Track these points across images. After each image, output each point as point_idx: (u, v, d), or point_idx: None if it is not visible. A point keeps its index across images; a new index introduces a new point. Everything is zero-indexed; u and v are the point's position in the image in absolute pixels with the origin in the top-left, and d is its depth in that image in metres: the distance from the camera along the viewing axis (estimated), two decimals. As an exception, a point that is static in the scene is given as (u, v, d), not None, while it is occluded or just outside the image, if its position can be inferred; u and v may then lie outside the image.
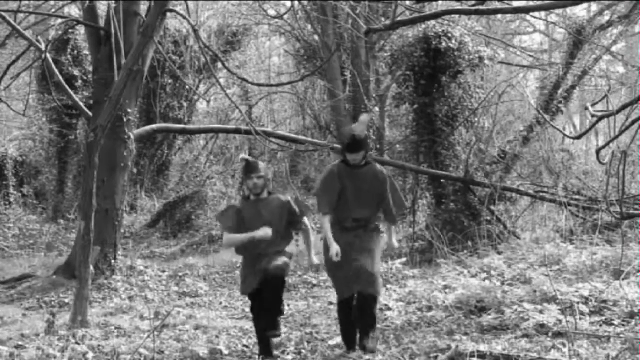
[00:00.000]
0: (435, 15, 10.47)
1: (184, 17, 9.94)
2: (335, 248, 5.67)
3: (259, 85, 18.78)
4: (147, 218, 16.11)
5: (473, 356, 5.28)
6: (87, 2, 10.15)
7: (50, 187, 18.59)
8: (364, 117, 6.00)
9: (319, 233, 6.11)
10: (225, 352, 6.11)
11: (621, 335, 5.53)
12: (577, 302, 6.24)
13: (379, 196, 5.92)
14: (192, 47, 18.04)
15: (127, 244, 13.66)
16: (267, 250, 5.80)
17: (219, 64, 17.90)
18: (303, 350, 6.04)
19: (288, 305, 8.17)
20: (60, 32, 15.97)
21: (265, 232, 5.73)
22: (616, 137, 8.75)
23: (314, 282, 9.69)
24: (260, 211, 5.82)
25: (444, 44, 11.49)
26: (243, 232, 5.78)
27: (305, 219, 6.01)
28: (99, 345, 6.31)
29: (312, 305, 8.16)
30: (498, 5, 12.45)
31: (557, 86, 13.31)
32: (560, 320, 5.94)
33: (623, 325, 5.92)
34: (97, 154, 7.34)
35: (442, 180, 11.74)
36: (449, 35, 11.58)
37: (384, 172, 6.01)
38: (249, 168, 5.79)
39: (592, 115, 8.79)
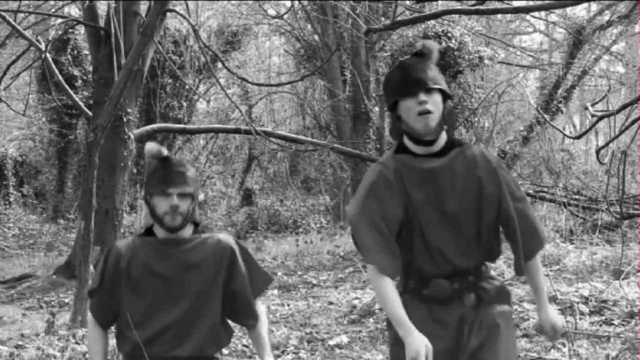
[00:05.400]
0: (436, 15, 10.47)
1: (184, 17, 9.96)
2: (419, 346, 2.45)
3: (259, 85, 18.77)
4: (147, 218, 16.10)
5: (473, 356, 5.27)
6: (87, 2, 10.15)
7: (50, 187, 18.59)
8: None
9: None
10: (225, 352, 6.11)
11: (621, 335, 5.52)
12: (577, 302, 6.24)
13: (489, 212, 2.69)
14: (192, 47, 18.03)
15: (127, 244, 13.64)
16: (175, 353, 2.83)
17: (219, 64, 17.90)
18: (303, 350, 6.03)
19: (288, 305, 8.17)
20: (60, 32, 15.96)
21: None
22: (616, 137, 8.76)
23: (314, 282, 9.68)
24: (170, 273, 2.87)
25: (444, 44, 11.51)
26: (129, 310, 2.91)
27: (259, 304, 3.01)
28: (99, 345, 6.29)
29: (312, 305, 8.14)
30: (498, 5, 12.44)
31: (557, 86, 13.33)
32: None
33: (623, 325, 5.92)
34: (97, 154, 7.34)
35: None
36: (449, 35, 11.60)
37: (491, 158, 2.72)
38: (167, 174, 2.96)
39: (592, 115, 8.80)
